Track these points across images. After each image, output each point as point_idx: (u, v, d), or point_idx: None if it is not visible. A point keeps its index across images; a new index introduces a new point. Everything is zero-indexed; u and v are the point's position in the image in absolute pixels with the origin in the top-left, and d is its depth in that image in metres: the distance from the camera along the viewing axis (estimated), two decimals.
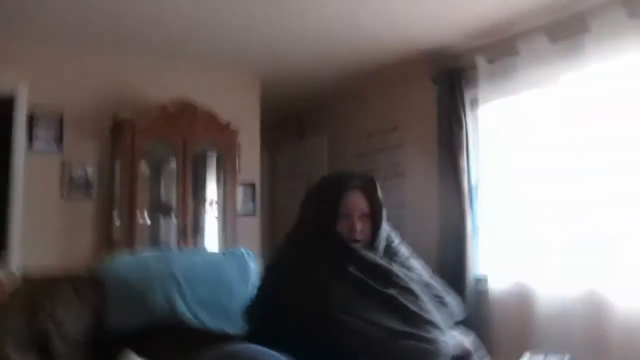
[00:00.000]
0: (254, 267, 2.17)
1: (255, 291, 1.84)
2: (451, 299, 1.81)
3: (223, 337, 1.89)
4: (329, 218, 1.69)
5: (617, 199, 3.13)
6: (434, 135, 4.33)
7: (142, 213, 4.21)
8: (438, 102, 4.28)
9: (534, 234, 3.60)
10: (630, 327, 3.01)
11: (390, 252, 1.77)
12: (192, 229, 4.51)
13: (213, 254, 2.18)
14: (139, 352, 1.84)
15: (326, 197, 1.73)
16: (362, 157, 5.09)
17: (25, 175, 3.90)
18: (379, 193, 1.76)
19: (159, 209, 4.38)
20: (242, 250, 2.26)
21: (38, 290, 1.77)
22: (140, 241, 4.08)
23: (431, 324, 1.59)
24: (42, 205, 3.96)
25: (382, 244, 1.75)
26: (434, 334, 1.57)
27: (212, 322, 1.94)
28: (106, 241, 4.09)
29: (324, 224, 1.68)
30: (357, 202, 1.73)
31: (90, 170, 4.12)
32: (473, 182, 4.12)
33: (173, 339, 1.89)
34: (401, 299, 1.59)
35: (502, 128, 3.96)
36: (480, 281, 3.97)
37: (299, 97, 5.70)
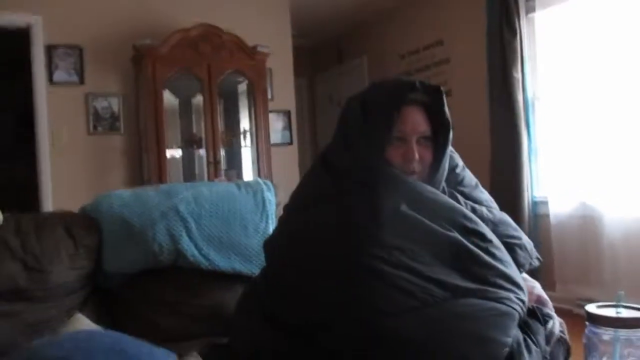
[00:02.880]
0: (273, 200, 1.90)
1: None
2: (526, 240, 1.40)
3: (233, 277, 1.66)
4: (377, 142, 1.24)
5: None
6: (483, 47, 3.87)
7: (173, 147, 4.02)
8: (488, 7, 3.80)
9: (600, 150, 3.23)
10: None
11: (452, 180, 1.38)
12: (227, 162, 4.33)
13: (224, 186, 1.91)
14: (140, 296, 1.64)
15: (375, 112, 1.26)
16: (405, 77, 4.68)
17: (49, 110, 3.74)
18: (446, 109, 1.31)
19: (190, 142, 4.16)
20: (259, 181, 1.99)
21: (25, 230, 1.56)
22: (173, 176, 3.91)
23: (506, 277, 1.19)
24: (68, 142, 3.79)
25: (444, 176, 1.33)
26: (508, 291, 1.18)
27: (222, 261, 1.69)
28: (138, 177, 3.93)
29: (369, 151, 1.25)
30: (417, 121, 1.28)
31: (115, 102, 3.91)
32: (529, 96, 3.69)
33: (178, 281, 1.67)
34: (469, 245, 1.19)
35: (562, 36, 3.48)
36: (540, 204, 3.62)
37: (334, 18, 5.29)
